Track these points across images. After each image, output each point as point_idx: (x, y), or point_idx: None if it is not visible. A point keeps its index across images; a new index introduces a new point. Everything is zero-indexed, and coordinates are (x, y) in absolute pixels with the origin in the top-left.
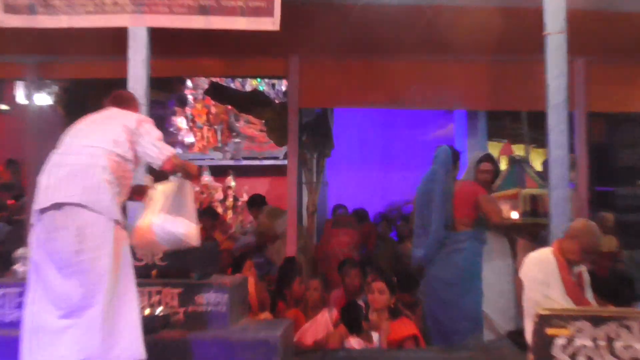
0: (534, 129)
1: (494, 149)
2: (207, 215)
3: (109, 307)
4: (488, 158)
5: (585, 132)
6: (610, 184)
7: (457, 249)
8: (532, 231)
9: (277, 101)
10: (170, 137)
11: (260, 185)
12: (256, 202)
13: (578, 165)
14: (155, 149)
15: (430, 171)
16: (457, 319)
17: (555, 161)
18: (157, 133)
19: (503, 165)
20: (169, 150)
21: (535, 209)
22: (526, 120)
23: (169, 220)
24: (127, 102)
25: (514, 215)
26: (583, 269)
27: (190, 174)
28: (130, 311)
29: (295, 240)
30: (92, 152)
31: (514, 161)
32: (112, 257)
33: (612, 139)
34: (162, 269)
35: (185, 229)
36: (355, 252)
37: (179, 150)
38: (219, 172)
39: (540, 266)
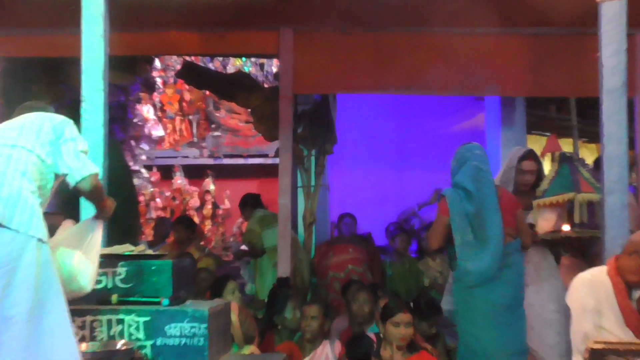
0: (584, 119)
1: (534, 144)
2: (181, 224)
3: (28, 351)
4: (531, 155)
5: None
6: None
7: (507, 263)
8: (581, 247)
9: (266, 85)
10: (134, 130)
11: (246, 190)
12: (248, 203)
13: (639, 164)
14: (78, 161)
15: (472, 168)
16: (502, 352)
17: (610, 159)
18: (85, 143)
19: (547, 165)
20: (93, 168)
21: (592, 218)
22: (575, 108)
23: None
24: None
25: (565, 227)
26: None
27: (104, 208)
28: (63, 348)
29: (289, 257)
30: (9, 154)
31: (563, 159)
32: (33, 284)
33: None
34: (124, 292)
35: (90, 275)
36: (365, 272)
37: (144, 147)
38: (194, 173)
39: (591, 290)
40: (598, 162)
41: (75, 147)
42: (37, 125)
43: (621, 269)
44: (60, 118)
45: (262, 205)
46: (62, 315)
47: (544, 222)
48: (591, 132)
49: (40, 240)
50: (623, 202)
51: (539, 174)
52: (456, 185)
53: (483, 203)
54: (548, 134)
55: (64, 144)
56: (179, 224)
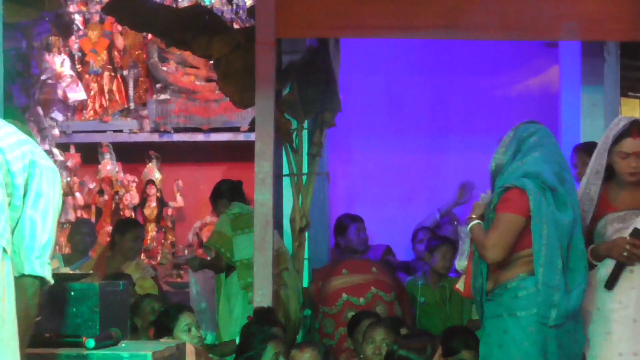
0: None
1: (632, 111)
2: (116, 231)
3: None
4: (637, 128)
5: None
6: None
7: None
8: None
9: (236, 26)
10: (42, 91)
11: (207, 179)
12: (223, 193)
13: None
14: None
15: (554, 158)
16: None
17: None
18: None
19: None
20: None
21: None
22: None
23: None
24: None
25: None
26: None
27: None
28: None
29: (271, 277)
30: None
31: None
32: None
33: None
34: (35, 330)
35: None
36: (394, 304)
37: (57, 116)
38: (131, 155)
39: None
40: None
41: None
42: None
43: None
44: None
45: (242, 198)
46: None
47: None
48: None
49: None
50: None
51: None
52: (532, 178)
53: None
54: None
55: None
56: (116, 229)
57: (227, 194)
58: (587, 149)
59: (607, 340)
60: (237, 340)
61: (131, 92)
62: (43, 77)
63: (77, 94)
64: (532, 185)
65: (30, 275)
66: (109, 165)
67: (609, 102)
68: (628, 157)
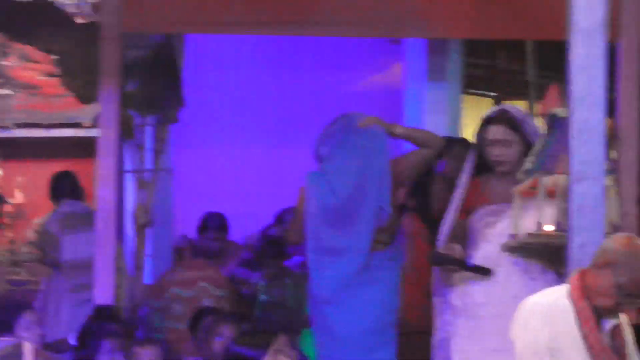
0: (545, 73)
1: (473, 108)
2: None
3: None
4: (500, 117)
5: (636, 81)
6: None
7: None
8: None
9: (79, 20)
10: None
11: (49, 176)
12: (58, 187)
13: (623, 139)
14: None
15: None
16: None
17: (580, 131)
18: None
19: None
20: None
21: None
22: (533, 57)
23: None
24: None
25: (548, 227)
26: (623, 322)
27: None
28: None
29: (112, 275)
30: None
31: (553, 122)
32: None
33: None
34: None
35: None
36: (223, 299)
37: None
38: None
39: (545, 320)
40: None
41: None
42: None
43: (589, 289)
44: None
45: (77, 193)
46: None
47: (528, 219)
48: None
49: None
50: (597, 193)
51: (526, 146)
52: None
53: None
54: (493, 93)
55: None
56: None
57: (60, 189)
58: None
59: (472, 335)
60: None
61: None
62: None
63: None
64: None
65: None
66: None
67: (452, 98)
68: (492, 145)
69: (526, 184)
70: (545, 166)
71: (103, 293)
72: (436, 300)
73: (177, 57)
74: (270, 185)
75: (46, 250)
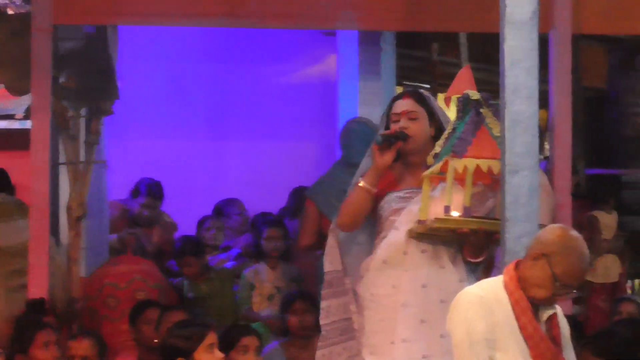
0: (479, 65)
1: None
2: None
3: None
4: (409, 93)
5: (569, 72)
6: (612, 164)
7: None
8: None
9: (11, 12)
10: None
11: None
12: None
13: (555, 131)
14: None
15: None
16: None
17: (514, 122)
18: None
19: (452, 114)
20: None
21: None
22: (466, 50)
23: None
24: None
25: (455, 212)
26: (559, 313)
27: None
28: None
29: (46, 267)
30: None
31: (466, 104)
32: None
33: (619, 83)
34: None
35: None
36: (159, 292)
37: None
38: None
39: (483, 311)
40: None
41: None
42: None
43: (525, 279)
44: None
45: (7, 187)
46: None
47: (436, 204)
48: (489, 83)
49: None
50: (532, 185)
51: (438, 126)
52: None
53: None
54: (427, 85)
55: None
56: None
57: None
58: None
59: (380, 327)
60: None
61: None
62: None
63: None
64: None
65: None
66: None
67: (385, 90)
68: (399, 119)
69: (435, 168)
70: (455, 150)
71: (38, 286)
72: None
73: (111, 48)
74: (206, 178)
75: None
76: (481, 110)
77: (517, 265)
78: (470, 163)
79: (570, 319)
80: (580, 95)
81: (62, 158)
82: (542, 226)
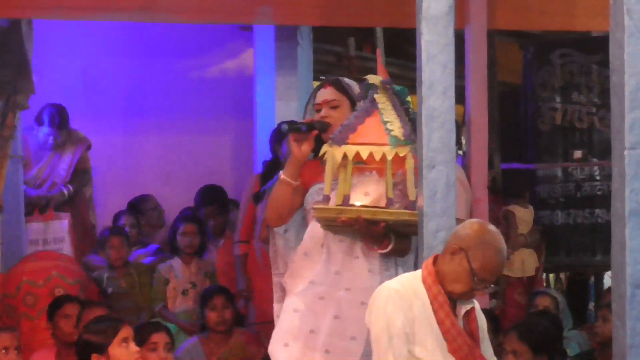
0: (396, 60)
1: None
2: None
3: None
4: (331, 82)
5: (485, 67)
6: (527, 158)
7: None
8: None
9: None
10: None
11: None
12: None
13: (472, 126)
14: None
15: None
16: None
17: (430, 118)
18: None
19: None
20: None
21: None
22: (383, 45)
23: None
24: None
25: (358, 202)
26: (476, 307)
27: None
28: None
29: None
30: None
31: (367, 89)
32: None
33: (534, 78)
34: None
35: None
36: (78, 288)
37: None
38: None
39: (399, 305)
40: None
41: None
42: None
43: (442, 274)
44: None
45: None
46: None
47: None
48: (406, 79)
49: None
50: (449, 179)
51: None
52: None
53: None
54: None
55: None
56: None
57: None
58: None
59: (292, 316)
60: None
61: None
62: None
63: None
64: None
65: None
66: None
67: (302, 85)
68: (320, 109)
69: (336, 157)
70: (334, 137)
71: None
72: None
73: (26, 42)
74: (121, 173)
75: None
76: (375, 95)
77: (435, 260)
78: (349, 150)
79: (487, 312)
80: (496, 90)
81: None
82: (459, 221)
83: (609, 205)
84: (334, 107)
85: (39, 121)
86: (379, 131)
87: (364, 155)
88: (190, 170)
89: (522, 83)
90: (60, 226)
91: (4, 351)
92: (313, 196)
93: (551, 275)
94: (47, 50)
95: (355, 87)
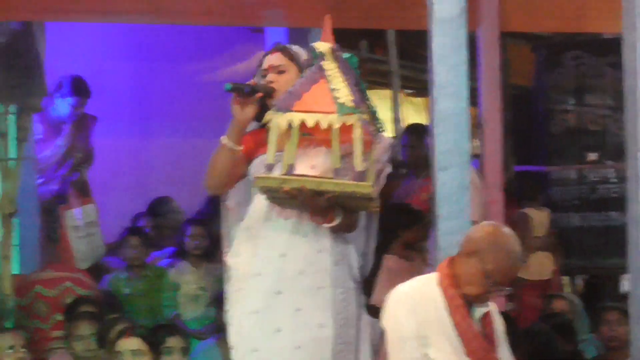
0: (408, 62)
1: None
2: None
3: None
4: (279, 48)
5: (497, 70)
6: (539, 161)
7: None
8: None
9: None
10: None
11: None
12: None
13: (486, 128)
14: None
15: None
16: None
17: (444, 120)
18: None
19: None
20: None
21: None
22: (395, 47)
23: None
24: None
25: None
26: (493, 310)
27: None
28: None
29: None
30: None
31: (314, 56)
32: None
33: (546, 81)
34: None
35: None
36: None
37: None
38: None
39: (414, 309)
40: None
41: None
42: None
43: (458, 277)
44: None
45: None
46: None
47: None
48: (418, 81)
49: None
50: (462, 181)
51: None
52: None
53: None
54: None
55: None
56: None
57: None
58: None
59: (237, 298)
60: None
61: None
62: None
63: None
64: None
65: None
66: None
67: None
68: (267, 74)
69: (280, 124)
70: (278, 105)
71: None
72: None
73: (38, 45)
74: (129, 176)
75: None
76: (322, 62)
77: (451, 262)
78: (294, 117)
79: (504, 315)
80: (508, 93)
81: None
82: (473, 222)
83: (624, 207)
84: (281, 72)
85: (60, 93)
86: (325, 99)
87: (310, 124)
88: (200, 174)
89: (533, 85)
90: (93, 209)
91: (10, 350)
92: (258, 167)
93: (565, 279)
94: (56, 53)
95: (304, 54)
